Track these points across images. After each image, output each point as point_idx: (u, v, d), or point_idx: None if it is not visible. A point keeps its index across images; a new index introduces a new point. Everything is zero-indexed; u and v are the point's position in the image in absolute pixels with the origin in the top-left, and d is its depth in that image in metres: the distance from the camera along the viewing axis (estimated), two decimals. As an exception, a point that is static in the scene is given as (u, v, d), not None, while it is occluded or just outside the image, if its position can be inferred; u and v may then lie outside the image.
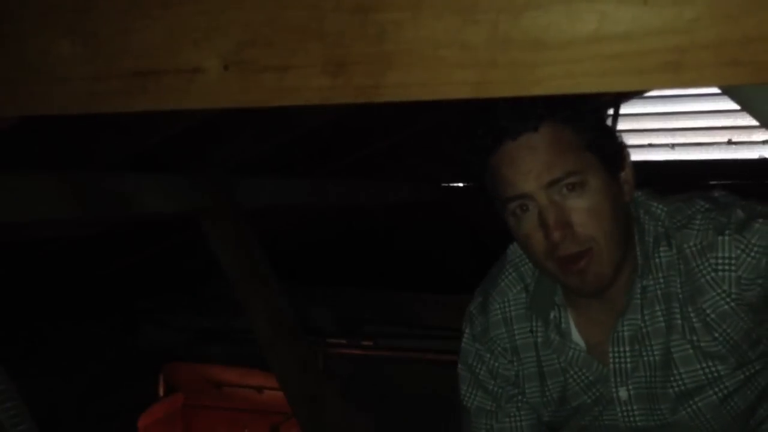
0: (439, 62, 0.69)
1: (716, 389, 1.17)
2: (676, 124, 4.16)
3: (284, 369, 2.69)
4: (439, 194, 4.25)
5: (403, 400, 3.44)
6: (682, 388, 1.18)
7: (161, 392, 3.72)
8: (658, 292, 1.17)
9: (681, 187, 1.28)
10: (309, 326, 2.93)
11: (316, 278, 3.98)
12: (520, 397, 1.30)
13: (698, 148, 4.16)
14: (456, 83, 0.69)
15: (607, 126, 1.17)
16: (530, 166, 1.08)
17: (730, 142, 4.09)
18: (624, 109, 4.04)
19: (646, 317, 1.18)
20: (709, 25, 0.63)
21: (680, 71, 0.64)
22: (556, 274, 1.13)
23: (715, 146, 4.11)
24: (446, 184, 4.33)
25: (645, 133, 4.23)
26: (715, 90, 3.59)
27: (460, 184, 4.32)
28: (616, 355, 1.20)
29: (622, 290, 1.17)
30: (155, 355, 3.77)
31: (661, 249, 1.16)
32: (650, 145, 4.23)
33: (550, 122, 1.08)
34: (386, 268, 4.08)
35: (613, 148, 1.14)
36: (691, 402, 1.19)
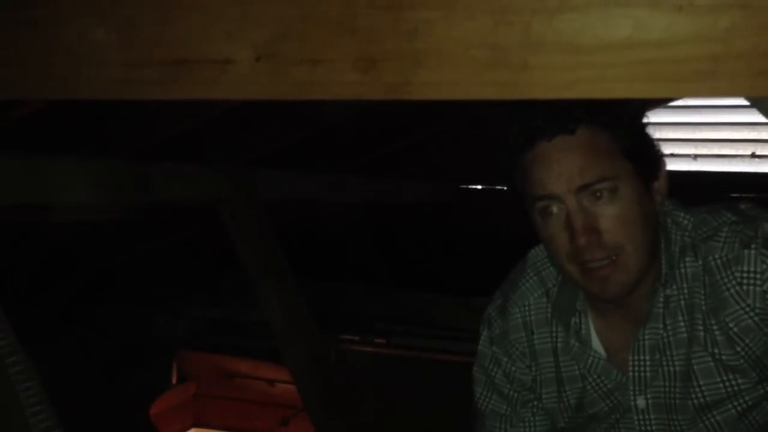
0: (470, 62, 0.69)
1: (735, 403, 1.17)
2: (699, 135, 4.12)
3: (297, 362, 2.70)
4: (456, 196, 4.24)
5: (414, 399, 3.44)
6: (701, 400, 1.17)
7: (174, 380, 3.74)
8: (682, 302, 1.16)
9: (702, 198, 1.27)
10: (322, 321, 2.94)
11: (331, 274, 3.99)
12: (535, 403, 1.30)
13: (721, 159, 4.12)
14: (486, 84, 0.69)
15: (647, 133, 1.15)
16: (563, 168, 1.07)
17: (753, 155, 4.04)
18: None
19: (669, 327, 1.17)
20: (745, 34, 0.62)
21: (714, 80, 0.63)
22: (577, 277, 1.12)
23: (738, 159, 4.07)
24: (464, 186, 4.33)
25: (667, 142, 4.19)
26: (740, 102, 3.55)
27: (478, 187, 4.31)
28: (636, 363, 1.20)
29: (645, 298, 1.16)
30: (169, 343, 3.79)
31: (687, 259, 1.15)
32: (672, 155, 4.20)
33: (587, 126, 1.07)
34: (401, 267, 4.08)
35: (650, 157, 1.14)
36: (709, 415, 1.18)
